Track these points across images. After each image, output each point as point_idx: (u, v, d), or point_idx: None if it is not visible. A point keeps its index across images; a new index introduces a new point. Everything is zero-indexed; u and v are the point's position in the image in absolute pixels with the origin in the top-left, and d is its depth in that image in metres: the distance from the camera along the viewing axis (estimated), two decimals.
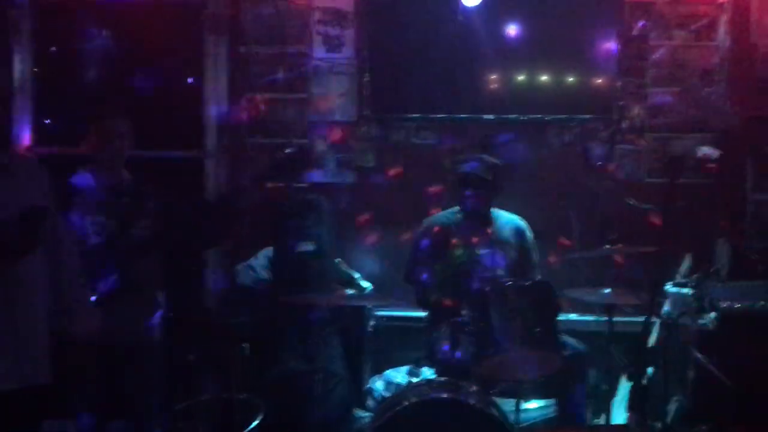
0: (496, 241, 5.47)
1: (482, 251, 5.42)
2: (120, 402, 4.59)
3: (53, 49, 6.63)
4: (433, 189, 5.99)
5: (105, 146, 4.56)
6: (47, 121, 6.62)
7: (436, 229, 5.53)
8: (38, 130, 6.60)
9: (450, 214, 5.60)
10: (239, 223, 4.78)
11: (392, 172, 6.29)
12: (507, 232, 5.53)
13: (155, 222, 4.56)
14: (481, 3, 6.02)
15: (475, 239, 5.45)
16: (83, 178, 4.62)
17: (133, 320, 4.60)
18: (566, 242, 5.93)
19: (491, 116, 6.21)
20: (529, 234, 5.59)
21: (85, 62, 6.50)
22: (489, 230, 5.50)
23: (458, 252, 5.43)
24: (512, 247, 5.50)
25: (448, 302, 5.25)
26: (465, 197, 5.47)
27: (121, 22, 6.43)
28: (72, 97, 6.43)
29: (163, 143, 6.35)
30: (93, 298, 4.31)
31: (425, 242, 5.52)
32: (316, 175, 6.39)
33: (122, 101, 5.95)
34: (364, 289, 6.06)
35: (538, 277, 5.48)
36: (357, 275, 6.13)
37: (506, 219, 5.60)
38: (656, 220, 5.28)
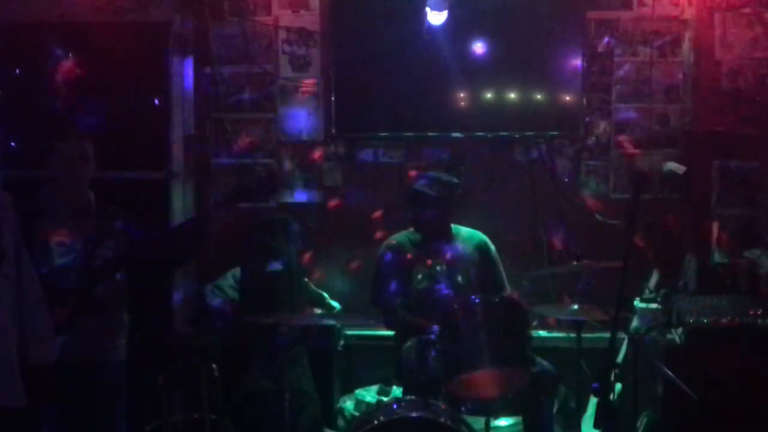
0: (458, 258, 5.44)
1: (445, 269, 5.40)
2: (88, 424, 4.55)
3: (18, 71, 6.59)
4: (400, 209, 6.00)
5: (69, 168, 4.54)
6: (12, 144, 6.57)
7: (396, 250, 5.50)
8: (3, 152, 6.55)
9: (409, 234, 5.55)
10: (207, 244, 4.76)
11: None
12: (469, 248, 5.50)
13: (120, 243, 4.53)
14: (446, 21, 6.02)
15: (436, 257, 5.42)
16: (46, 199, 4.60)
17: (99, 342, 4.57)
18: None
19: (459, 134, 6.21)
20: (492, 247, 5.56)
21: (50, 84, 6.46)
22: (450, 247, 5.49)
23: (421, 271, 5.42)
24: (475, 262, 5.47)
25: (416, 322, 5.23)
26: (414, 216, 5.46)
27: (87, 43, 6.39)
28: (38, 119, 6.37)
29: (128, 164, 6.32)
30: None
31: (387, 265, 5.49)
32: (284, 195, 6.38)
33: (87, 122, 5.93)
34: (333, 308, 6.06)
35: (507, 289, 5.49)
36: (325, 295, 6.12)
37: (467, 235, 5.56)
38: (623, 236, 5.30)
